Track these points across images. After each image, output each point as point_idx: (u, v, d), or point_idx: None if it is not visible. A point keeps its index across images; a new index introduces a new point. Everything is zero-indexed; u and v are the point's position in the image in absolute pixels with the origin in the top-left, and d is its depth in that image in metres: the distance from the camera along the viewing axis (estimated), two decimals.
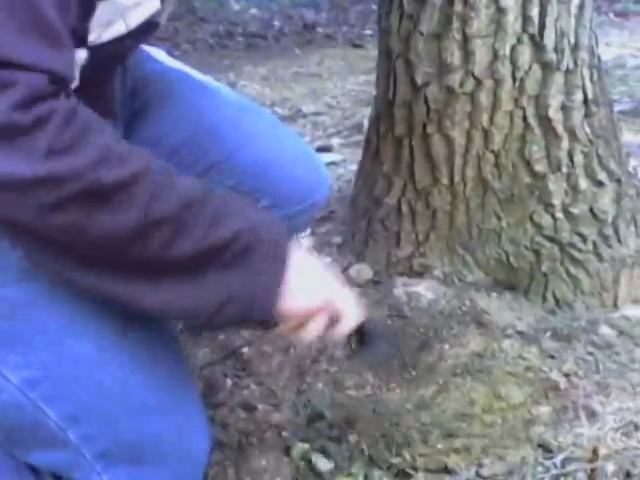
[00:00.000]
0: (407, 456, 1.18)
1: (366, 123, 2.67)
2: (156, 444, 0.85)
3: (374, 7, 5.36)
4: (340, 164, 2.39)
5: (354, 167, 2.24)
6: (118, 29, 0.81)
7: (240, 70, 4.00)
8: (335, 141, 2.71)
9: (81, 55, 0.79)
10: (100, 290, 0.78)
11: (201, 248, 0.77)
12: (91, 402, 0.82)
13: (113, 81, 0.98)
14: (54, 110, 0.70)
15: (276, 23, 5.44)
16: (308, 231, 1.81)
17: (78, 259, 0.75)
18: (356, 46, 4.58)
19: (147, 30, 0.87)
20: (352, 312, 0.92)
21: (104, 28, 0.80)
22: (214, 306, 0.79)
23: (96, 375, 0.82)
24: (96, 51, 0.79)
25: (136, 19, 0.83)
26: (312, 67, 4.04)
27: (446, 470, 1.15)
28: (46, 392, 0.81)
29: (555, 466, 1.14)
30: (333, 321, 0.91)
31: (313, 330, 0.88)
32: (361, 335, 1.04)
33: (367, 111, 2.91)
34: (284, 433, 1.23)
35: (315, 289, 0.87)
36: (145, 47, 1.16)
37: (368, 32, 4.92)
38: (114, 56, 0.91)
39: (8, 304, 0.81)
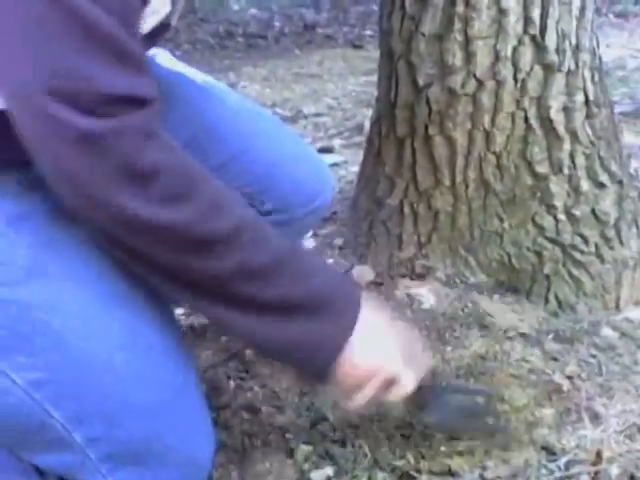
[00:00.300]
0: (411, 459, 1.17)
1: (367, 124, 2.67)
2: (161, 446, 0.85)
3: (374, 8, 5.37)
4: (341, 165, 2.40)
5: (355, 168, 2.25)
6: None
7: (240, 71, 4.00)
8: (336, 142, 2.71)
9: None
10: (188, 304, 0.88)
11: (284, 300, 0.84)
12: (96, 404, 0.82)
13: None
14: (165, 159, 0.77)
15: (276, 23, 5.45)
16: (310, 233, 1.81)
17: (176, 282, 0.82)
18: (356, 47, 4.59)
19: (159, 33, 0.87)
20: (409, 377, 0.94)
21: None
22: (281, 348, 0.87)
23: (101, 377, 0.82)
24: None
25: (149, 24, 0.83)
26: (312, 68, 4.05)
27: (450, 473, 1.15)
28: (51, 393, 0.81)
29: (559, 469, 1.14)
30: (389, 384, 0.93)
31: (367, 394, 0.92)
32: (421, 399, 1.02)
33: (368, 112, 2.92)
34: (288, 435, 1.23)
35: (376, 352, 0.91)
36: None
37: (368, 33, 4.93)
38: None
39: (14, 305, 0.81)
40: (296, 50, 4.62)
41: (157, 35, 0.88)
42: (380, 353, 0.91)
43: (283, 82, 3.75)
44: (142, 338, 0.85)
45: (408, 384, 0.95)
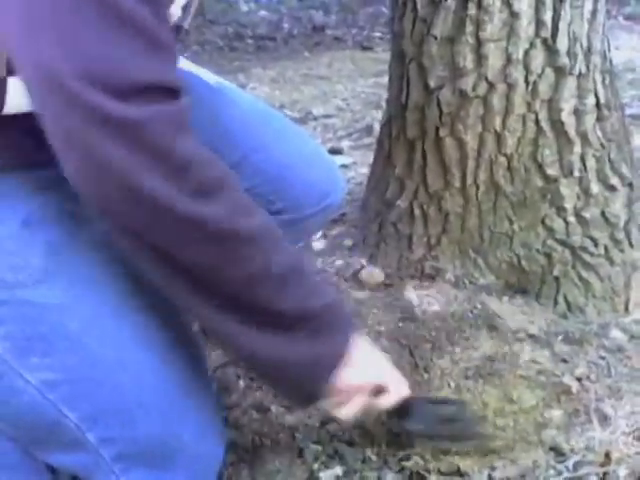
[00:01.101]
0: (419, 459, 1.18)
1: (376, 126, 2.68)
2: (174, 447, 0.86)
3: (384, 9, 5.38)
4: (351, 167, 2.40)
5: (364, 170, 2.25)
6: None
7: (249, 72, 4.01)
8: (345, 144, 2.71)
9: None
10: (198, 315, 0.85)
11: (296, 311, 0.84)
12: (110, 404, 0.83)
13: None
14: (198, 153, 0.77)
15: (285, 25, 5.45)
16: (320, 233, 1.82)
17: (192, 284, 0.79)
18: (365, 48, 4.58)
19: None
20: (398, 386, 1.01)
21: None
22: (278, 365, 0.86)
23: (115, 378, 0.83)
24: None
25: None
26: (321, 69, 4.05)
27: (459, 473, 1.15)
28: (65, 394, 0.82)
29: (567, 469, 1.15)
30: (378, 393, 0.99)
31: (355, 407, 0.95)
32: (403, 408, 1.06)
33: (377, 114, 2.93)
34: (297, 435, 1.23)
35: (370, 370, 0.95)
36: None
37: (377, 34, 4.93)
38: None
39: (29, 306, 0.81)
40: (305, 52, 4.62)
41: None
42: (371, 367, 0.96)
43: (292, 83, 3.75)
44: (155, 339, 0.85)
45: (397, 392, 1.01)
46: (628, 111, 2.23)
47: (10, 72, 0.77)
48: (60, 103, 0.70)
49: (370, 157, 1.84)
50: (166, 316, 0.90)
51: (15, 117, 0.80)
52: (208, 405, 0.92)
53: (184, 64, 1.22)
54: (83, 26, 0.68)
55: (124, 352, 0.84)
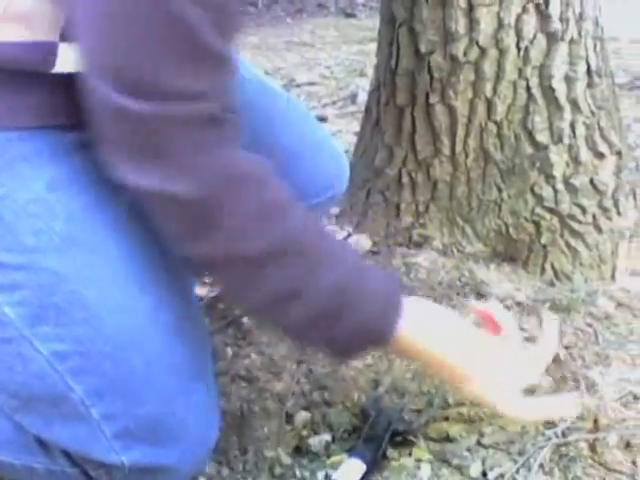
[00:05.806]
0: None
1: (361, 93, 2.67)
2: (175, 426, 0.85)
3: None
4: (336, 135, 2.38)
5: (350, 138, 2.23)
6: None
7: None
8: (330, 112, 2.69)
9: None
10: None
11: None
12: (117, 381, 0.81)
13: None
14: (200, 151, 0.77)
15: None
16: None
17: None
18: (348, 15, 4.55)
19: None
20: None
21: None
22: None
23: (126, 354, 0.81)
24: None
25: None
26: (304, 36, 4.01)
27: (447, 438, 1.16)
28: (74, 366, 0.80)
29: (556, 436, 1.15)
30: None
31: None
32: None
33: (361, 81, 2.91)
34: (285, 402, 1.23)
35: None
36: None
37: (360, 1, 4.88)
38: None
39: (46, 273, 0.79)
40: (287, 18, 4.58)
41: None
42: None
43: (275, 50, 3.71)
44: (169, 317, 0.84)
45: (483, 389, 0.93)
46: None
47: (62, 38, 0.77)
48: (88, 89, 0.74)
49: (355, 125, 1.82)
50: (182, 295, 0.88)
51: (58, 76, 0.78)
52: (211, 386, 0.91)
53: None
54: (132, 22, 0.69)
55: (138, 329, 0.82)
